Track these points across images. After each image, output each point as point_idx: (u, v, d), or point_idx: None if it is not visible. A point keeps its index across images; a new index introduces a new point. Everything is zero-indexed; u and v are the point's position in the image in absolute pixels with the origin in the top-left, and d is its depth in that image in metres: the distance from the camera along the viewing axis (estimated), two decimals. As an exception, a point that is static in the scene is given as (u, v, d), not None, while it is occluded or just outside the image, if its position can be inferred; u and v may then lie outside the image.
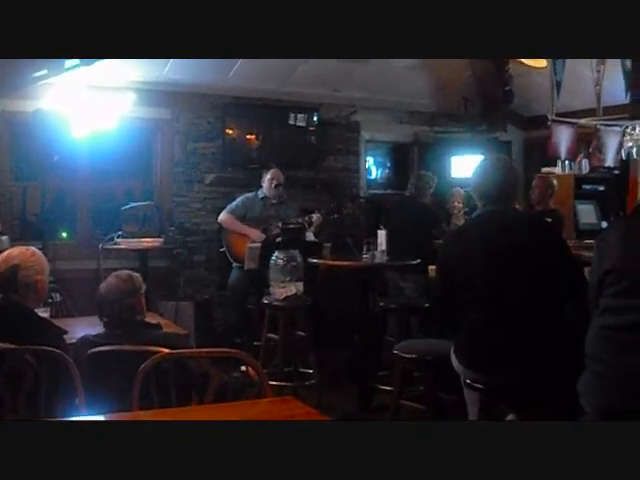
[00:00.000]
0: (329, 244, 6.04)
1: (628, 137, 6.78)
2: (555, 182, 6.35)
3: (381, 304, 5.26)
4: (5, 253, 3.13)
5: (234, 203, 6.23)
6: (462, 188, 6.94)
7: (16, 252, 3.11)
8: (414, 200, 6.31)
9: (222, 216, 6.19)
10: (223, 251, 6.19)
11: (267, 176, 6.15)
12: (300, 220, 5.99)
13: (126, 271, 3.20)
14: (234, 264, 6.04)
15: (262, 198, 6.16)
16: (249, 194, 6.27)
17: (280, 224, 5.91)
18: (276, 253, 4.91)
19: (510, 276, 3.05)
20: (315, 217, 6.02)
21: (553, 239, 3.28)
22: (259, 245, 5.75)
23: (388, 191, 8.19)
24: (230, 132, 7.11)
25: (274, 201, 6.16)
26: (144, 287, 3.17)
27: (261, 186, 6.19)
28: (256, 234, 5.96)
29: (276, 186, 6.08)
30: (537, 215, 3.34)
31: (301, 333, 5.09)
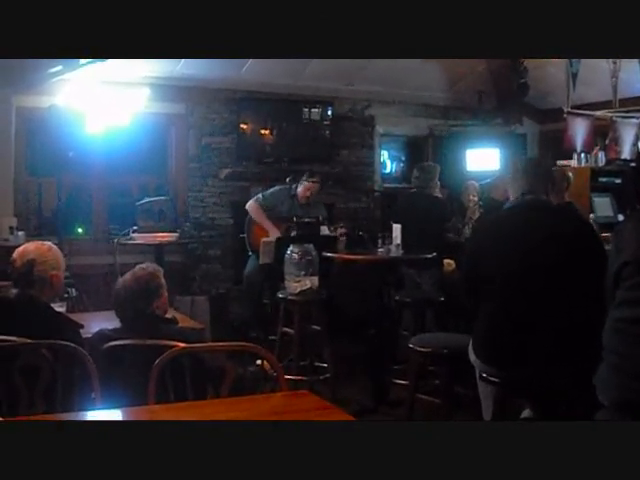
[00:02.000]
0: (344, 238, 6.01)
1: (645, 129, 6.74)
2: (571, 175, 6.30)
3: (396, 298, 5.24)
4: (21, 248, 3.15)
5: (267, 192, 6.22)
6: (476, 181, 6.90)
7: (32, 247, 3.13)
8: (421, 194, 6.09)
9: (250, 203, 6.18)
10: (243, 237, 6.19)
11: (305, 184, 6.09)
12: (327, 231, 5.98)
13: (151, 266, 3.16)
14: (251, 254, 6.04)
15: (293, 195, 6.15)
16: (285, 186, 6.26)
17: (294, 218, 5.90)
18: (291, 247, 4.90)
19: (533, 270, 3.02)
20: (340, 232, 6.00)
21: (584, 231, 3.22)
22: (273, 240, 5.75)
23: (403, 185, 8.13)
24: (244, 127, 7.11)
25: (303, 202, 6.14)
26: (164, 284, 3.13)
27: (296, 184, 6.17)
28: (275, 234, 5.94)
29: (307, 197, 6.10)
30: (570, 207, 3.29)
31: (316, 327, 5.08)
